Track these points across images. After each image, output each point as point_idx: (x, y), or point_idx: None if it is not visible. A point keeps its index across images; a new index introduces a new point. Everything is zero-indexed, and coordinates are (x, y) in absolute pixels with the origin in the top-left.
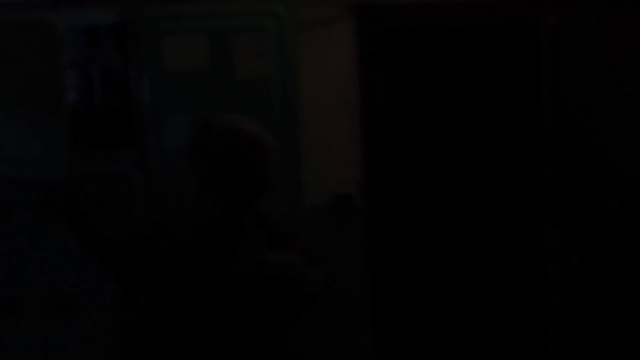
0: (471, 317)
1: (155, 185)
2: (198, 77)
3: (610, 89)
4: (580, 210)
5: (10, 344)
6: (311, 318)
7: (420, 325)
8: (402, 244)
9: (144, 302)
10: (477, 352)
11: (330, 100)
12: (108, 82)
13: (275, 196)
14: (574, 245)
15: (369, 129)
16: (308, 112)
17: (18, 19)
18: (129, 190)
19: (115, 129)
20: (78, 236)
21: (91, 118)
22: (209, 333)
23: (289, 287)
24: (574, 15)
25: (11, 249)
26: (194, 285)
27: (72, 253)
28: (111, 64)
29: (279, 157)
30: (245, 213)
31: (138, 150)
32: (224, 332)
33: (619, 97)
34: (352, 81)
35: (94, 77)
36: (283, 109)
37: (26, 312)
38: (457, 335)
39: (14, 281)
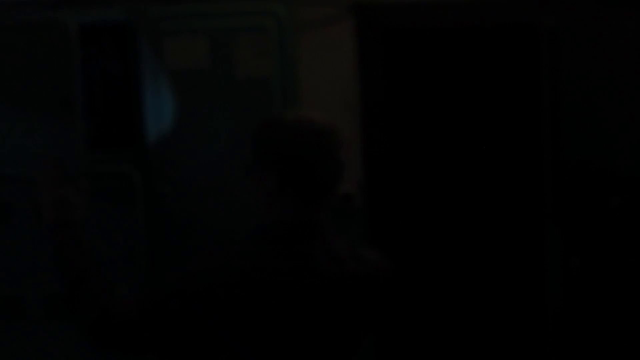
0: (471, 317)
1: (155, 185)
2: (198, 77)
3: (611, 89)
4: (580, 210)
5: (12, 343)
6: None
7: (420, 325)
8: (403, 243)
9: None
10: (477, 352)
11: (330, 100)
12: (109, 82)
13: None
14: (574, 245)
15: (369, 128)
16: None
17: (31, 18)
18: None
19: (116, 129)
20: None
21: (92, 117)
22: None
23: (385, 282)
24: (574, 15)
25: (12, 248)
26: (284, 307)
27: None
28: (111, 63)
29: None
30: (325, 208)
31: (138, 150)
32: (323, 340)
33: (619, 97)
34: (352, 81)
35: (95, 76)
36: (283, 109)
37: (27, 312)
38: (457, 335)
39: (15, 280)
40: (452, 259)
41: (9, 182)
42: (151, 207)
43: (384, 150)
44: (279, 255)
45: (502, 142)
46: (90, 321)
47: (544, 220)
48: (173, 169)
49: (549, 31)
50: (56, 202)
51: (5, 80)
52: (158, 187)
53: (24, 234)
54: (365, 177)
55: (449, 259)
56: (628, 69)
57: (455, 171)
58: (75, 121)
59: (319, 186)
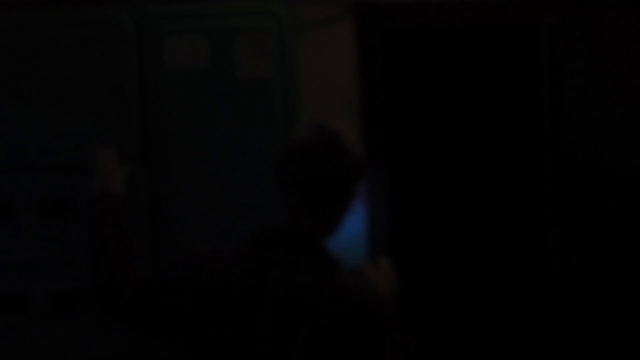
0: (471, 316)
1: (155, 185)
2: (198, 77)
3: (611, 88)
4: (580, 210)
5: (14, 340)
6: None
7: (421, 325)
8: (403, 244)
9: None
10: (478, 351)
11: (330, 100)
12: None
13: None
14: (574, 245)
15: (369, 129)
16: (308, 112)
17: (86, 14)
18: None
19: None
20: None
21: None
22: None
23: (349, 331)
24: (574, 15)
25: (15, 245)
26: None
27: (75, 249)
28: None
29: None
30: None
31: (138, 150)
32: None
33: (619, 97)
34: (352, 81)
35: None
36: (283, 109)
37: (29, 309)
38: (457, 334)
39: (17, 278)
40: (453, 258)
41: (11, 178)
42: (151, 207)
43: (384, 150)
44: (241, 258)
45: (502, 142)
46: (99, 286)
47: (544, 220)
48: (173, 169)
49: (549, 31)
50: (100, 175)
51: (61, 75)
52: (158, 187)
53: (27, 231)
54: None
55: (449, 259)
56: (628, 69)
57: (455, 171)
58: (133, 111)
59: (304, 196)
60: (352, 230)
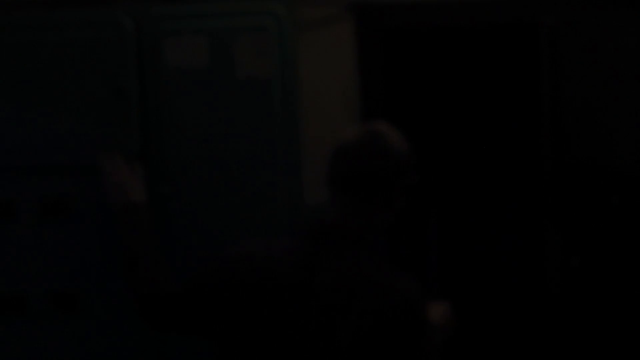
0: (471, 316)
1: (156, 185)
2: (198, 77)
3: (611, 88)
4: (580, 210)
5: (15, 341)
6: None
7: None
8: (402, 243)
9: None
10: (478, 350)
11: (330, 100)
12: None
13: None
14: (574, 245)
15: None
16: (308, 112)
17: (86, 14)
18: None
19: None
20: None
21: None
22: None
23: (399, 320)
24: (574, 15)
25: (15, 245)
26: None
27: (76, 249)
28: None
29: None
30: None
31: (139, 150)
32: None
33: (619, 96)
34: (352, 81)
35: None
36: (283, 109)
37: (30, 309)
38: (456, 334)
39: (18, 277)
40: (453, 257)
41: (11, 178)
42: (151, 207)
43: None
44: (292, 251)
45: (502, 141)
46: (142, 298)
47: (544, 220)
48: (173, 169)
49: (549, 31)
50: (117, 187)
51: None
52: (158, 187)
53: (27, 231)
54: None
55: (450, 258)
56: (628, 69)
57: (455, 171)
58: (132, 111)
59: (352, 194)
60: None
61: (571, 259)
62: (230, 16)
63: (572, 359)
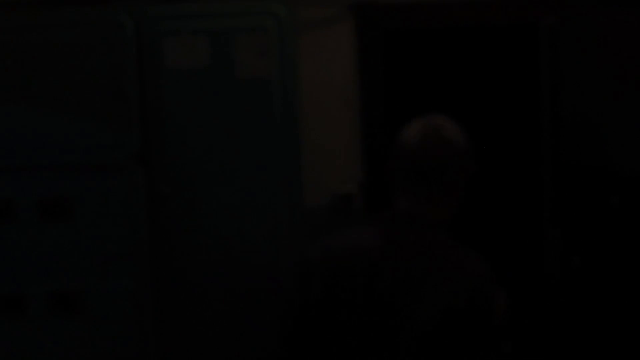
0: None
1: (156, 185)
2: (198, 77)
3: (610, 88)
4: (580, 210)
5: (15, 341)
6: None
7: None
8: None
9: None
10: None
11: (330, 100)
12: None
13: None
14: (574, 245)
15: (369, 129)
16: (308, 112)
17: (86, 14)
18: None
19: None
20: None
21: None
22: None
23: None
24: (574, 15)
25: (15, 245)
26: None
27: (75, 249)
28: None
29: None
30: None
31: (139, 150)
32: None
33: (619, 96)
34: (352, 81)
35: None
36: (283, 109)
37: (30, 309)
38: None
39: (17, 278)
40: None
41: (11, 178)
42: (151, 207)
43: (384, 150)
44: (369, 237)
45: (502, 141)
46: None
47: (544, 221)
48: (173, 169)
49: (549, 31)
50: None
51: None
52: (158, 187)
53: (27, 231)
54: (365, 177)
55: None
56: (628, 69)
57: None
58: (132, 110)
59: (420, 184)
60: None
61: (571, 259)
62: (230, 16)
63: (572, 358)
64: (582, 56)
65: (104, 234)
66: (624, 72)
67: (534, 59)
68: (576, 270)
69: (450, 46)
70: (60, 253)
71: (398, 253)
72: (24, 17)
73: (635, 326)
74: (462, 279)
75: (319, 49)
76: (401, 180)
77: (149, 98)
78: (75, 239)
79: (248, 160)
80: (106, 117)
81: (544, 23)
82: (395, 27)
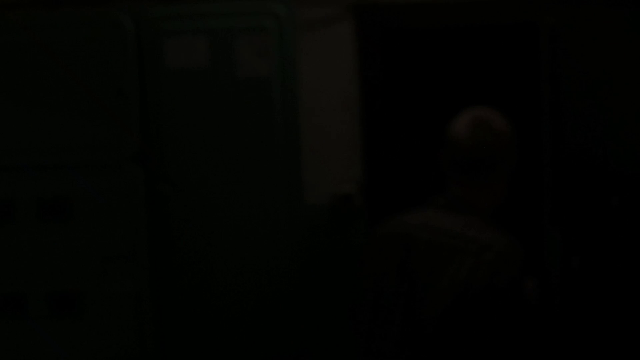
0: None
1: (156, 185)
2: (198, 77)
3: (610, 88)
4: (580, 210)
5: (14, 342)
6: (311, 318)
7: None
8: None
9: None
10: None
11: (330, 100)
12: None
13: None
14: (574, 245)
15: (369, 128)
16: (308, 112)
17: (86, 14)
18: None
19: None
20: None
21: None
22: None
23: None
24: (574, 15)
25: (15, 245)
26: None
27: (75, 249)
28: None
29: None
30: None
31: (139, 150)
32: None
33: (619, 96)
34: (352, 81)
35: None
36: (283, 109)
37: (30, 309)
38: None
39: (17, 278)
40: None
41: (11, 178)
42: (151, 207)
43: (384, 150)
44: (420, 217)
45: None
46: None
47: (544, 221)
48: (173, 169)
49: (549, 31)
50: None
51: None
52: (158, 187)
53: (27, 231)
54: (365, 177)
55: None
56: (628, 69)
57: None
58: (132, 109)
59: (457, 166)
60: None
61: (571, 259)
62: (230, 16)
63: (572, 358)
64: (582, 56)
65: (104, 234)
66: (624, 72)
67: (534, 59)
68: (576, 270)
69: (450, 46)
70: (60, 253)
71: (434, 233)
72: (24, 17)
73: (635, 326)
74: (486, 258)
75: (319, 49)
76: (454, 170)
77: (149, 98)
78: (75, 239)
79: (248, 160)
80: (106, 117)
81: (544, 23)
82: (395, 27)
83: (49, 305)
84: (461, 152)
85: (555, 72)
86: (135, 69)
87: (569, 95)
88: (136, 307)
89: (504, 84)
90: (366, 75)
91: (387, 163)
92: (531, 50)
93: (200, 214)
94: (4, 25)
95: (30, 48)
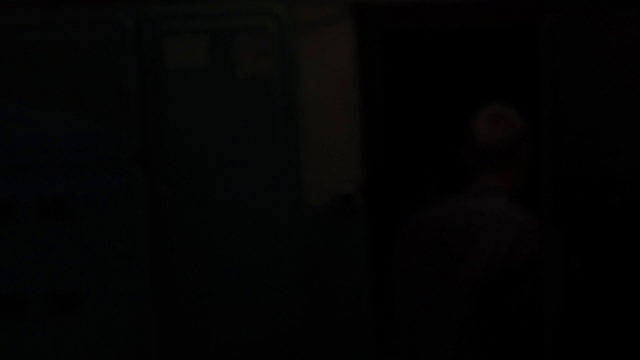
0: None
1: (156, 185)
2: (198, 77)
3: (611, 89)
4: (580, 210)
5: (14, 342)
6: (311, 318)
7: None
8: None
9: None
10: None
11: (330, 100)
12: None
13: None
14: (574, 245)
15: (369, 129)
16: (308, 112)
17: (86, 14)
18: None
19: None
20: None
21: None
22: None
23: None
24: (574, 15)
25: (14, 245)
26: None
27: (75, 249)
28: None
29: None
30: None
31: (139, 150)
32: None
33: (619, 97)
34: (352, 81)
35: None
36: (283, 109)
37: (30, 309)
38: None
39: (17, 278)
40: None
41: (11, 178)
42: (151, 207)
43: (384, 150)
44: (445, 203)
45: None
46: None
47: (544, 220)
48: (173, 169)
49: (549, 31)
50: None
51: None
52: (158, 187)
53: (27, 231)
54: (365, 177)
55: None
56: (628, 69)
57: (455, 171)
58: (132, 109)
59: (480, 158)
60: None
61: (571, 259)
62: (230, 16)
63: (571, 358)
64: (582, 56)
65: (104, 234)
66: (624, 73)
67: (534, 59)
68: (576, 270)
69: (450, 46)
70: (60, 253)
71: (464, 214)
72: (24, 17)
73: (635, 326)
74: (509, 231)
75: (319, 49)
76: (477, 161)
77: (149, 98)
78: (75, 239)
79: (248, 160)
80: (106, 117)
81: (544, 23)
82: (395, 27)
83: (49, 305)
84: (483, 144)
85: (555, 72)
86: (135, 69)
87: (569, 95)
88: (136, 307)
89: (504, 84)
90: (366, 76)
91: (387, 163)
92: (531, 51)
93: (200, 214)
94: (4, 25)
95: (30, 48)
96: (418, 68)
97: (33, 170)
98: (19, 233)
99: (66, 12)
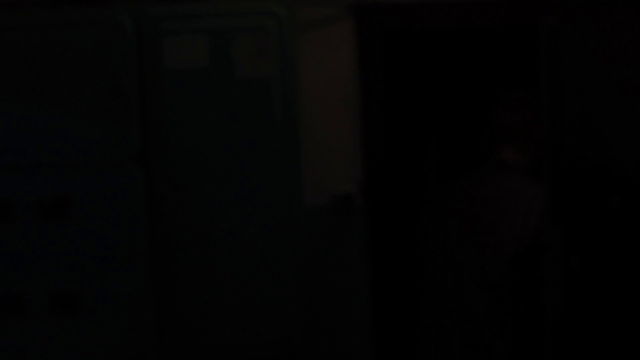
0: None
1: (156, 185)
2: (198, 77)
3: (610, 89)
4: (580, 210)
5: (14, 342)
6: (311, 318)
7: (416, 324)
8: (403, 244)
9: None
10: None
11: (330, 100)
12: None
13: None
14: (574, 245)
15: (369, 128)
16: (308, 112)
17: (86, 14)
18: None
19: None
20: None
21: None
22: None
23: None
24: (574, 15)
25: (14, 245)
26: None
27: (75, 249)
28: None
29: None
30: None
31: (139, 150)
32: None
33: (619, 97)
34: (352, 81)
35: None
36: (283, 109)
37: (30, 309)
38: None
39: (17, 278)
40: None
41: (11, 178)
42: (151, 207)
43: (383, 150)
44: (468, 179)
45: None
46: None
47: (544, 220)
48: (173, 169)
49: (549, 31)
50: None
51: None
52: (158, 187)
53: (27, 231)
54: (365, 177)
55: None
56: (628, 69)
57: (455, 170)
58: (132, 109)
59: (500, 138)
60: None
61: (571, 259)
62: (230, 16)
63: (571, 357)
64: (582, 56)
65: (104, 233)
66: (624, 72)
67: (534, 60)
68: (576, 270)
69: (450, 46)
70: (60, 253)
71: (488, 188)
72: (24, 17)
73: (636, 326)
74: (536, 203)
75: (319, 49)
76: (499, 140)
77: (148, 98)
78: (75, 239)
79: (248, 160)
80: (106, 117)
81: (544, 23)
82: (395, 27)
83: (48, 305)
84: (502, 125)
85: (555, 72)
86: (135, 69)
87: (569, 95)
88: (136, 307)
89: (504, 85)
90: (366, 76)
91: (387, 163)
92: (531, 51)
93: (200, 214)
94: (4, 25)
95: (30, 48)
96: (418, 68)
97: (33, 170)
98: (19, 233)
99: (66, 12)
